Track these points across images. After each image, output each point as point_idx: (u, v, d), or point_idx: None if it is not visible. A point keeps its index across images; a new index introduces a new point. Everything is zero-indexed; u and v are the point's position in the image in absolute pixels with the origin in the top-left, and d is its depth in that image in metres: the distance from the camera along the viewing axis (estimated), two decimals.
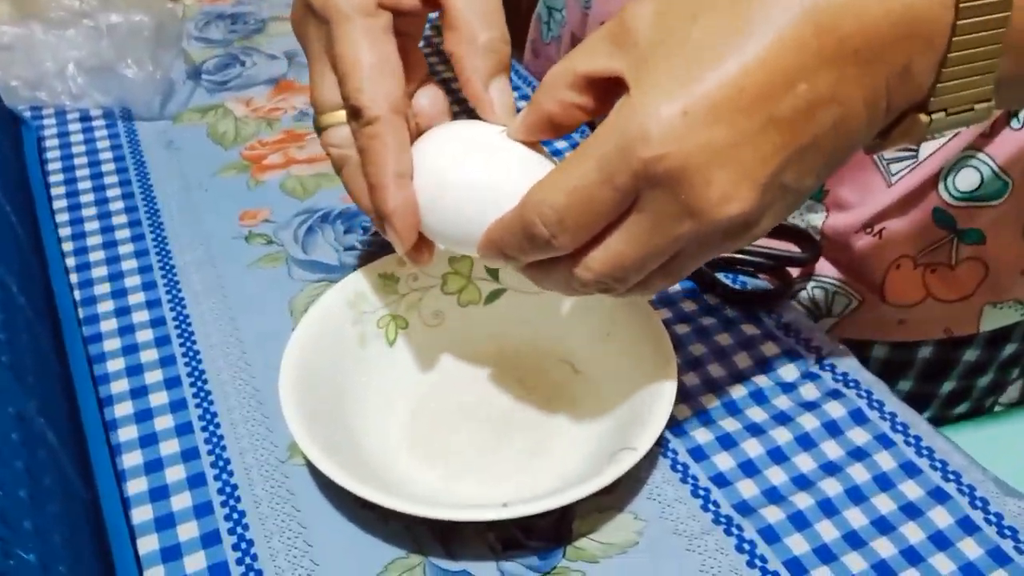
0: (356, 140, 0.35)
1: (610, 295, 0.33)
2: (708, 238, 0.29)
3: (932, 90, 0.29)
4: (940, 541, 0.35)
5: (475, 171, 0.33)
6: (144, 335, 0.44)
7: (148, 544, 0.36)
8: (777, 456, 0.38)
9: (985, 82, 0.29)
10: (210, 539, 0.36)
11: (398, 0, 0.36)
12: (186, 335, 0.44)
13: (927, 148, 0.49)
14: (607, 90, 0.30)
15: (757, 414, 0.40)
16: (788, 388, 0.41)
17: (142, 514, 0.37)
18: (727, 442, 0.39)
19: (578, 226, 0.30)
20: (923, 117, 0.29)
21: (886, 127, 0.30)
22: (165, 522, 0.36)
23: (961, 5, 0.26)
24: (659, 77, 0.28)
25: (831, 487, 0.37)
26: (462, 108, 0.57)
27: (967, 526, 0.36)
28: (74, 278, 0.48)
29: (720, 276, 0.46)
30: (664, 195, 0.28)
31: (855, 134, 0.29)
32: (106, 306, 0.46)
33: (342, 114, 0.36)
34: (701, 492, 0.37)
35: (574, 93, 0.31)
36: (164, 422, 0.40)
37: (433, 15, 0.37)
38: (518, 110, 0.35)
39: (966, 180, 0.49)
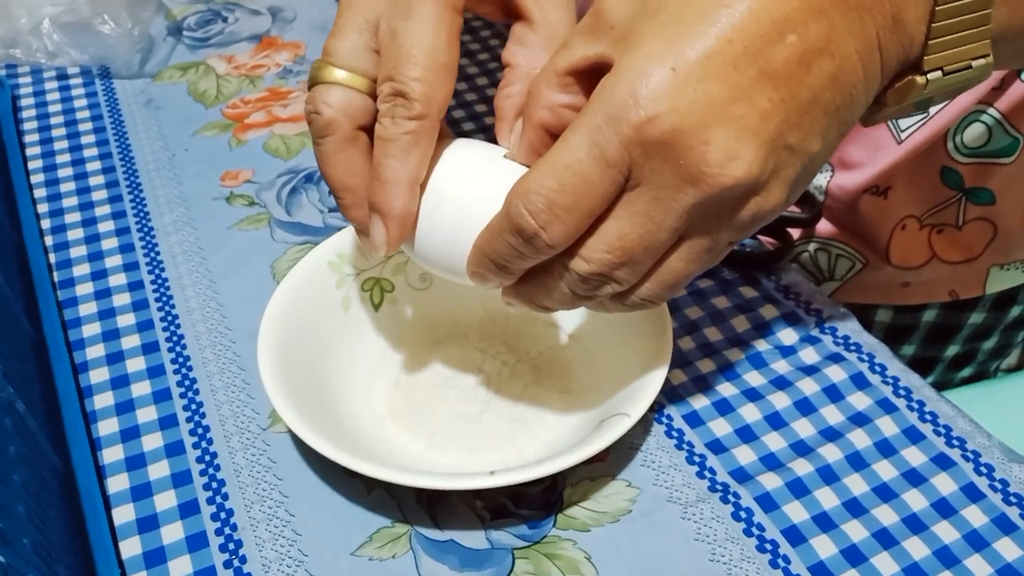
0: (384, 127, 0.31)
1: (623, 303, 0.30)
2: (715, 210, 0.27)
3: (925, 47, 0.28)
4: (944, 509, 0.34)
5: (472, 194, 0.31)
6: (121, 299, 0.43)
7: (124, 514, 0.34)
8: (775, 422, 0.37)
9: (980, 35, 0.28)
10: (189, 509, 0.35)
11: (478, 5, 0.34)
12: (165, 299, 0.43)
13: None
14: (595, 82, 0.28)
15: (755, 379, 0.39)
16: (787, 352, 0.40)
17: (118, 483, 0.35)
18: (724, 407, 0.38)
19: (568, 213, 0.27)
20: (919, 78, 0.28)
21: (881, 91, 0.29)
22: (142, 492, 0.35)
23: None
24: (642, 43, 0.26)
25: (831, 453, 0.36)
26: (469, 117, 0.55)
27: (972, 493, 0.35)
28: (49, 241, 0.46)
29: None
30: (661, 164, 0.26)
31: (854, 90, 0.27)
32: (82, 269, 0.45)
33: (352, 78, 0.32)
34: (696, 459, 0.36)
35: (561, 94, 0.29)
36: (141, 388, 0.39)
37: None
38: None
39: (973, 135, 0.47)
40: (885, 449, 0.36)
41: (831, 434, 0.37)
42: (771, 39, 0.26)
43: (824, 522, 0.34)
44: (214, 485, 0.35)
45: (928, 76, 0.28)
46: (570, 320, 0.41)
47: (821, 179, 0.51)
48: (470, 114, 0.54)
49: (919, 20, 0.27)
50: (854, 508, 0.34)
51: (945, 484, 0.35)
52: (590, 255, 0.28)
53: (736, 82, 0.26)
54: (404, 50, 0.30)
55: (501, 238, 0.29)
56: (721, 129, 0.26)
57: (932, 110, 0.47)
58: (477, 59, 0.58)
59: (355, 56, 0.32)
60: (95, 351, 0.41)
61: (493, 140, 0.33)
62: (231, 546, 0.33)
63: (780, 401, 0.38)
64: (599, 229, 0.28)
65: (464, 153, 0.32)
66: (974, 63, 0.28)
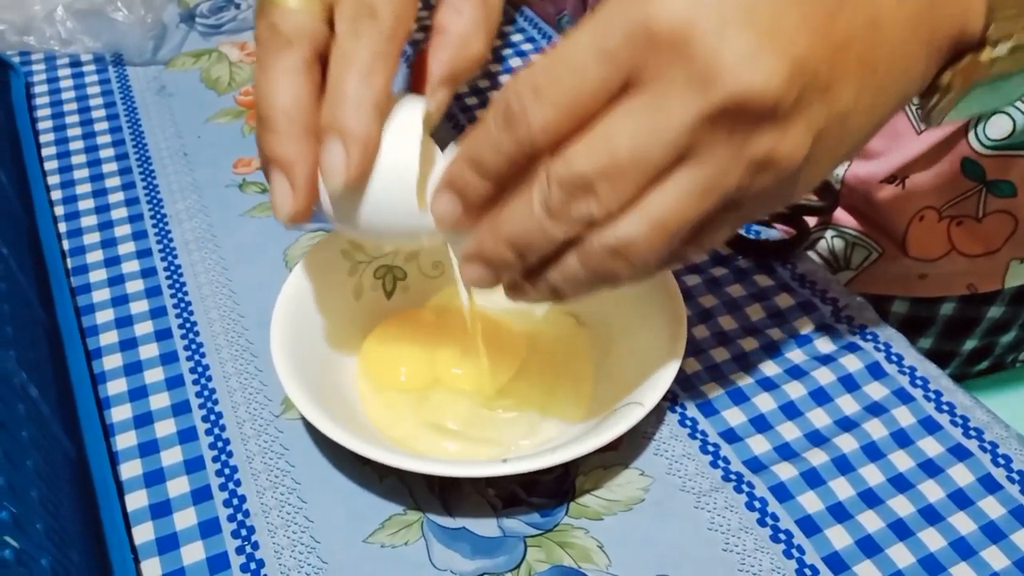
0: (347, 43, 0.28)
1: (601, 245, 0.26)
2: (724, 132, 0.23)
3: (990, 14, 0.25)
4: (960, 500, 0.34)
5: (403, 146, 0.30)
6: (134, 285, 0.43)
7: (137, 500, 0.34)
8: (790, 411, 0.37)
9: None
10: (201, 495, 0.35)
11: None
12: (177, 286, 0.43)
13: None
14: None
15: (770, 368, 0.39)
16: (803, 341, 0.40)
17: (131, 469, 0.36)
18: (738, 397, 0.38)
19: (555, 101, 0.24)
20: (983, 55, 0.25)
21: (941, 70, 0.26)
22: (155, 478, 0.35)
23: None
24: None
25: (846, 443, 0.36)
26: None
27: (989, 484, 0.34)
28: (62, 227, 0.46)
29: None
30: (668, 62, 0.23)
31: (895, 47, 0.24)
32: (95, 256, 0.45)
33: (309, 2, 0.29)
34: (710, 448, 0.36)
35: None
36: (154, 375, 0.39)
37: None
38: (522, 53, 0.32)
39: (997, 127, 0.47)
40: (901, 439, 0.36)
41: (847, 424, 0.36)
42: None
43: (839, 512, 0.33)
44: (227, 471, 0.35)
45: (994, 48, 0.25)
46: (585, 309, 0.40)
47: (838, 168, 0.51)
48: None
49: None
50: (870, 499, 0.34)
51: (962, 475, 0.34)
52: (573, 156, 0.25)
53: None
54: None
55: (483, 128, 0.27)
56: (742, 30, 0.22)
57: None
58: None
59: None
60: (108, 337, 0.41)
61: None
62: (243, 532, 0.33)
63: (795, 391, 0.38)
64: (588, 132, 0.25)
65: (402, 112, 0.30)
66: None
